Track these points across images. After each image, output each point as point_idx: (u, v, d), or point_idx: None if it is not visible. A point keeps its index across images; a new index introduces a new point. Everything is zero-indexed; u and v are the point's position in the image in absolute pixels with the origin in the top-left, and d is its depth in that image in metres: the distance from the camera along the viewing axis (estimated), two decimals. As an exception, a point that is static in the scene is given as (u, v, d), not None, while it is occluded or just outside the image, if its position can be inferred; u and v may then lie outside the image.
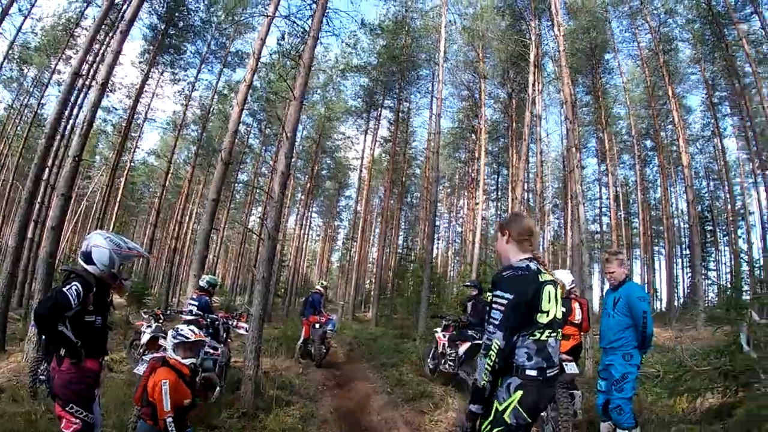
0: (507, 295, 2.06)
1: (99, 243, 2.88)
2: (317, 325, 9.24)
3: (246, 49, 22.06)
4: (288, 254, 28.58)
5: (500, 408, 2.07)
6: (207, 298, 6.54)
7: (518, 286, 2.09)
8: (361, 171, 27.74)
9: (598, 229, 29.13)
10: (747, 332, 3.37)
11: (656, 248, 29.24)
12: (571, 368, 4.59)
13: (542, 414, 3.99)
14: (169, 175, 23.22)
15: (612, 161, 25.52)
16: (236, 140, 12.84)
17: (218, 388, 5.24)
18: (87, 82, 16.62)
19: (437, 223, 32.85)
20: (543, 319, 2.13)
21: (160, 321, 7.69)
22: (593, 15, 20.47)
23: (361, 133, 26.96)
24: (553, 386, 2.28)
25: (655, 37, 20.69)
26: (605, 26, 21.93)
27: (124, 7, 13.74)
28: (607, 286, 4.01)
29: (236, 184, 30.34)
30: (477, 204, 22.57)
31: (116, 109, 22.91)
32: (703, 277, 21.98)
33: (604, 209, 28.48)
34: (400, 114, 25.69)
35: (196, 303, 6.35)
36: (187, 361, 3.23)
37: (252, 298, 6.12)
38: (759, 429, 2.89)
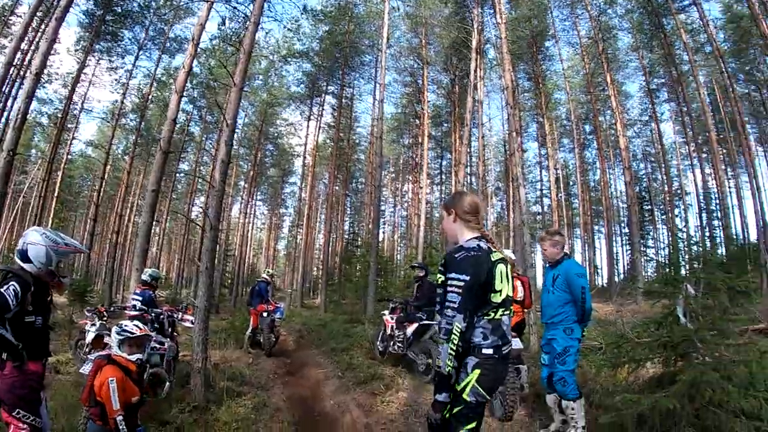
0: (463, 277, 2.05)
1: (35, 240, 2.81)
2: (265, 314, 9.20)
3: (185, 35, 21.28)
4: (233, 244, 27.97)
5: (458, 388, 2.09)
6: (151, 292, 6.39)
7: (473, 267, 2.09)
8: (305, 157, 27.55)
9: (540, 210, 30.12)
10: (683, 305, 3.56)
11: (596, 227, 30.81)
12: (516, 344, 4.69)
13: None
14: (108, 166, 22.18)
15: (552, 145, 26.40)
16: (176, 128, 12.50)
17: (167, 383, 5.14)
18: (21, 72, 15.83)
19: (383, 207, 33.22)
20: (497, 298, 2.17)
21: (104, 318, 7.50)
22: (534, 3, 20.96)
23: (304, 119, 26.70)
24: (507, 362, 2.34)
25: (595, 25, 21.47)
26: (546, 15, 22.52)
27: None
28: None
29: (177, 174, 29.30)
30: (421, 188, 23.02)
31: (52, 101, 21.97)
32: (641, 254, 23.29)
33: (545, 191, 29.28)
34: (343, 100, 25.65)
35: (140, 298, 6.19)
36: (134, 357, 3.20)
37: (197, 290, 6.06)
38: (702, 395, 3.12)
